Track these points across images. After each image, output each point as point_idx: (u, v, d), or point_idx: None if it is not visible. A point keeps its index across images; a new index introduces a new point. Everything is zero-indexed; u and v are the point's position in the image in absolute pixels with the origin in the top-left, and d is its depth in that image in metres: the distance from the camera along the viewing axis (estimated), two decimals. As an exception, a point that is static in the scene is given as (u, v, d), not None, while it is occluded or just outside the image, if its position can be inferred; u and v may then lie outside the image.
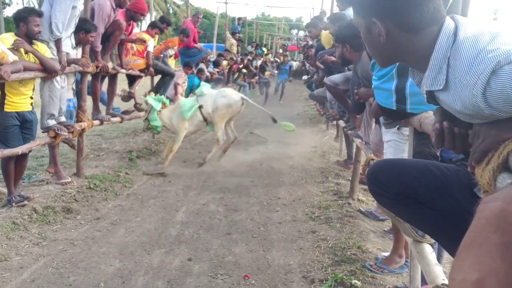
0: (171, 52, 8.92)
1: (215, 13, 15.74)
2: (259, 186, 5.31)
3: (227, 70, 13.02)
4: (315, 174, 5.93)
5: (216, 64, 12.02)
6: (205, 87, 6.73)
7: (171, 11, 36.61)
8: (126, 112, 6.76)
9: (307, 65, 12.48)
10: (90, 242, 3.53)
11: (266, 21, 46.23)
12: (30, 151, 4.28)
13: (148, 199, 4.67)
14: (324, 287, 2.90)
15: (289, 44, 31.95)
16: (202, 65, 10.06)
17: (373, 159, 3.42)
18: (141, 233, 3.75)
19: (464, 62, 1.11)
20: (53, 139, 4.48)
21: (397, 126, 2.98)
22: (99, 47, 5.44)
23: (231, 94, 6.50)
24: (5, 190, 4.24)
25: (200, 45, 10.38)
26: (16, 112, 4.04)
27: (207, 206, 4.52)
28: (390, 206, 1.62)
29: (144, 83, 8.47)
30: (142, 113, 7.25)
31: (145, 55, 6.98)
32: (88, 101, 5.45)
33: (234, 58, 13.89)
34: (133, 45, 6.71)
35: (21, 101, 4.08)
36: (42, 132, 4.57)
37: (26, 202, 4.01)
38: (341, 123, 6.00)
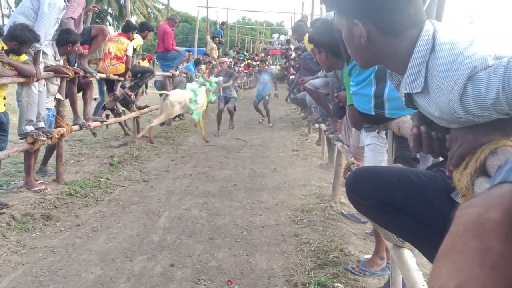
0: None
1: (196, 17, 15.68)
2: (242, 190, 5.30)
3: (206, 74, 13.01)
4: (298, 177, 5.95)
5: (197, 63, 12.03)
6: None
7: (152, 15, 36.39)
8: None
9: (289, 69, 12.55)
10: (70, 249, 3.47)
11: (247, 25, 46.33)
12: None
13: (130, 205, 4.62)
14: (307, 291, 2.90)
15: (271, 48, 32.06)
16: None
17: (353, 163, 3.45)
18: (123, 239, 3.70)
19: (442, 67, 1.13)
20: (31, 145, 4.40)
21: (377, 130, 3.01)
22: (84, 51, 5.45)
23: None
24: (-19, 197, 4.15)
25: (178, 48, 10.31)
26: None
27: (190, 211, 4.49)
28: (370, 214, 1.63)
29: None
30: (122, 118, 7.22)
31: (124, 60, 6.93)
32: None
33: (213, 62, 13.88)
34: (111, 49, 6.65)
35: None
36: (20, 138, 4.48)
37: (4, 210, 3.93)
38: (323, 126, 6.04)
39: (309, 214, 4.40)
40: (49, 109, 4.86)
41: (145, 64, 10.28)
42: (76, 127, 5.52)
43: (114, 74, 6.84)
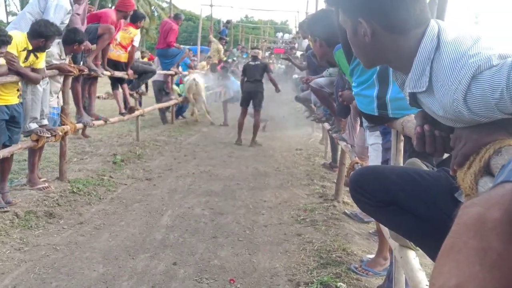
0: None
1: (200, 16, 15.68)
2: (245, 189, 5.30)
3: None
4: (301, 176, 5.95)
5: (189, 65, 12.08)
6: None
7: (155, 14, 36.47)
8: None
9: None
10: (73, 247, 3.48)
11: (251, 24, 46.33)
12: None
13: (133, 203, 4.62)
14: (310, 290, 2.90)
15: (275, 47, 32.05)
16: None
17: (357, 162, 3.44)
18: (125, 237, 3.71)
19: (446, 66, 1.12)
20: (35, 142, 4.41)
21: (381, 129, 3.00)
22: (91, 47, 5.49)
23: None
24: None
25: (178, 44, 10.27)
26: (6, 106, 3.99)
27: (193, 209, 4.50)
28: (373, 213, 1.63)
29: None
30: (126, 117, 7.22)
31: (129, 49, 6.92)
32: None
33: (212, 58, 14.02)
34: (117, 36, 6.63)
35: (10, 94, 4.04)
36: (24, 136, 4.49)
37: (7, 208, 3.94)
38: (327, 125, 6.03)
39: (312, 214, 4.40)
40: (54, 107, 4.88)
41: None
42: (80, 125, 5.53)
43: (115, 60, 6.80)
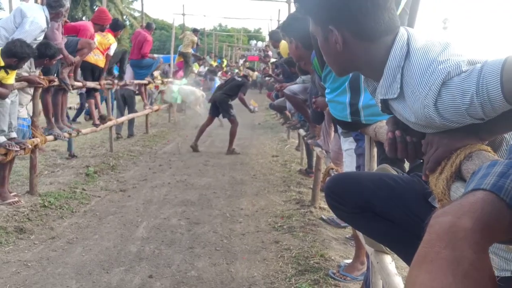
0: None
1: (172, 25, 15.59)
2: (222, 198, 5.27)
3: None
4: (277, 183, 5.95)
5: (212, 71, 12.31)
6: None
7: (127, 23, 36.14)
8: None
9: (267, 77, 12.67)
10: (45, 263, 3.37)
11: (224, 32, 46.42)
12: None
13: (107, 216, 4.53)
14: (288, 298, 2.88)
15: (249, 55, 32.19)
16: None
17: (332, 168, 3.46)
18: (99, 251, 3.62)
19: (416, 73, 1.14)
20: (4, 156, 4.28)
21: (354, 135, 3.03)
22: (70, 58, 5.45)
23: None
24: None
25: (152, 55, 10.22)
26: None
27: (169, 220, 4.43)
28: (348, 219, 1.63)
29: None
30: (100, 127, 7.11)
31: (105, 55, 6.85)
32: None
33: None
34: (95, 40, 6.54)
35: None
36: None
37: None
38: (302, 132, 6.06)
39: (289, 220, 4.40)
40: (24, 118, 4.77)
41: None
42: (51, 137, 5.41)
43: (93, 64, 6.70)
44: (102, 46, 6.79)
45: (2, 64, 4.08)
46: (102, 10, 7.31)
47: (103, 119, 7.20)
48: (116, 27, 7.32)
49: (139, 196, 5.25)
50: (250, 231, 4.17)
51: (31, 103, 4.98)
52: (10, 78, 4.21)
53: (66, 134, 5.78)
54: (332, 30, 1.27)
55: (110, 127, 7.67)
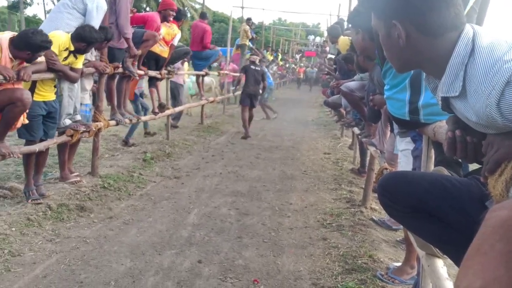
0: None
1: (233, 18, 15.70)
2: (271, 191, 5.31)
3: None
4: (328, 181, 5.91)
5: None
6: None
7: (188, 15, 36.96)
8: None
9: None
10: (102, 241, 3.57)
11: (283, 26, 46.28)
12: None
13: (161, 200, 4.70)
14: (334, 295, 2.88)
15: (306, 50, 31.97)
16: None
17: (386, 168, 3.40)
18: (153, 233, 3.78)
19: (480, 71, 1.11)
20: (70, 137, 4.55)
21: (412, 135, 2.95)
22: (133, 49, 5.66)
23: None
24: (20, 186, 4.32)
25: (213, 45, 10.35)
26: (44, 102, 4.15)
27: (219, 209, 4.54)
28: (401, 219, 1.61)
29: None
30: (158, 116, 7.35)
31: (169, 45, 7.04)
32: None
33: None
34: (162, 31, 6.72)
35: (48, 90, 4.21)
36: (58, 132, 4.63)
37: (40, 200, 4.07)
38: (356, 130, 5.97)
39: (338, 218, 4.37)
40: (86, 104, 5.01)
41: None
42: (113, 122, 5.66)
43: (158, 54, 6.89)
44: (168, 37, 6.98)
45: (72, 48, 4.31)
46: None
47: (162, 107, 7.43)
48: (179, 15, 7.48)
49: (192, 184, 5.40)
50: (298, 226, 4.18)
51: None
52: (79, 63, 4.45)
53: (127, 120, 6.03)
54: (396, 24, 1.25)
55: (168, 116, 7.91)
